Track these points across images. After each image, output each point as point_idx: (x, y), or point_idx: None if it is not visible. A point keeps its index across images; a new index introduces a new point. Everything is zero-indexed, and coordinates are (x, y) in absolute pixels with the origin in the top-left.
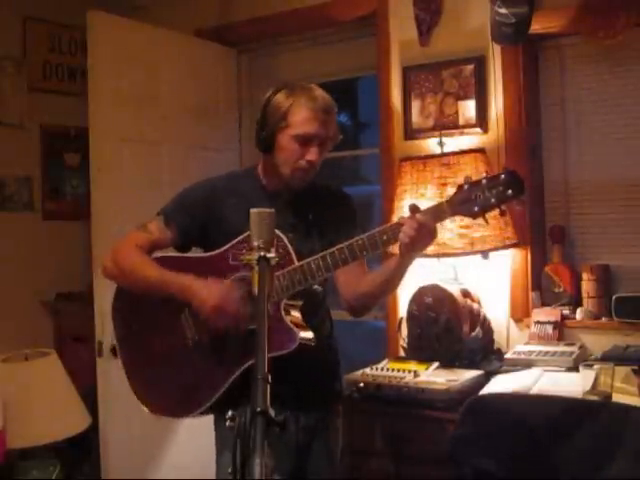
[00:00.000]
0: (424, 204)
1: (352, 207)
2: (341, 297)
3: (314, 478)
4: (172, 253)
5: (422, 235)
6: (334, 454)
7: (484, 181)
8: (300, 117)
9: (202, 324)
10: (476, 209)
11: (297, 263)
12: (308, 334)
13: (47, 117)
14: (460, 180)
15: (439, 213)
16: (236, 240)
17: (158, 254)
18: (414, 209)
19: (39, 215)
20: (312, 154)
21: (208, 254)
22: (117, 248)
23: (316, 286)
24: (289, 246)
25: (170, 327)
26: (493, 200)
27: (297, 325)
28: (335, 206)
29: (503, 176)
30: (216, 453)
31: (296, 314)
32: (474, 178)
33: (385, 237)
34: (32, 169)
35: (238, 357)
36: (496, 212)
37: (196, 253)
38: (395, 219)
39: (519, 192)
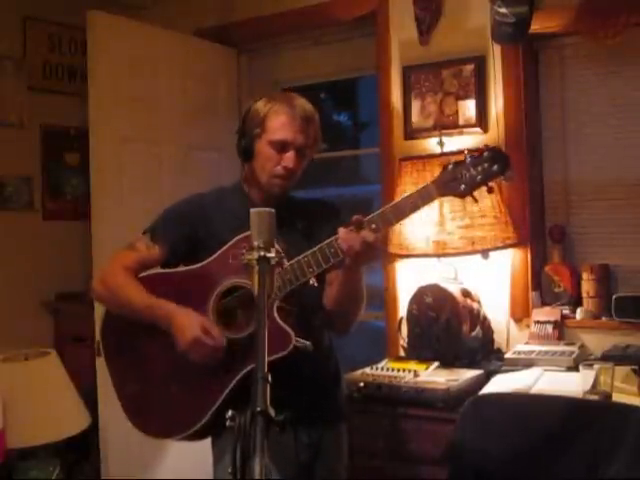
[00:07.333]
0: None
1: (339, 218)
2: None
3: None
4: (159, 270)
5: (363, 250)
6: (339, 471)
7: (468, 159)
8: (277, 123)
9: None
10: (463, 187)
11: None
12: (305, 341)
13: (47, 117)
14: None
15: (426, 194)
16: (221, 251)
17: (146, 272)
18: (357, 223)
19: (39, 215)
20: (288, 160)
21: (195, 266)
22: (105, 270)
23: (313, 282)
24: (280, 249)
25: (160, 348)
26: (479, 177)
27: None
28: (323, 217)
29: (486, 153)
30: (213, 461)
31: (290, 320)
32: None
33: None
34: (32, 169)
35: (223, 378)
36: (494, 210)
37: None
38: None
39: (504, 167)
